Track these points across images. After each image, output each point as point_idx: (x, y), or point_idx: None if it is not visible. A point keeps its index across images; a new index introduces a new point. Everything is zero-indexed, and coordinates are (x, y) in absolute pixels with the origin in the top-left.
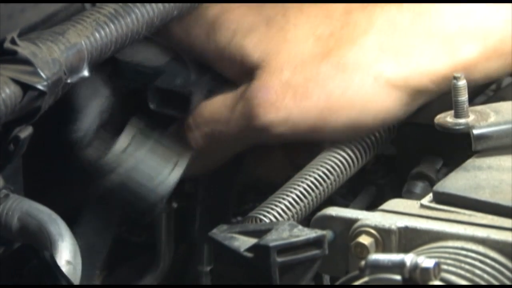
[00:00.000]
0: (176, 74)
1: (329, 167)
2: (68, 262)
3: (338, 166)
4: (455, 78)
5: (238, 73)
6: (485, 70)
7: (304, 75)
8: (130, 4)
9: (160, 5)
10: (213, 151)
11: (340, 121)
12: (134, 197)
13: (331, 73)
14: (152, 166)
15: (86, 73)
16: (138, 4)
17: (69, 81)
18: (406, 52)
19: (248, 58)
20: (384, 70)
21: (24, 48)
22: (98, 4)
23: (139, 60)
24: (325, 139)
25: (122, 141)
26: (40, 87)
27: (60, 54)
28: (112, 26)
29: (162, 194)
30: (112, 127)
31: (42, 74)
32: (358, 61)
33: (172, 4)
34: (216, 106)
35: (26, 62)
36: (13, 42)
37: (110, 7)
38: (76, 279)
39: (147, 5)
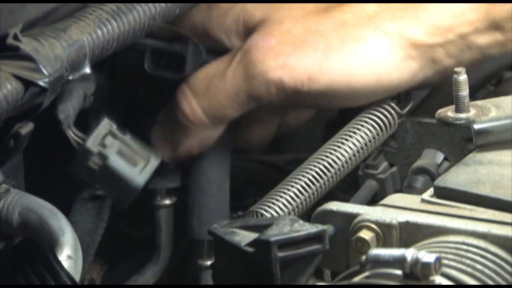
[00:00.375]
0: (175, 41)
1: (330, 161)
2: (69, 257)
3: (339, 159)
4: (456, 73)
5: (240, 38)
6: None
7: (304, 26)
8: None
9: (162, 3)
10: (212, 118)
11: (337, 69)
12: (109, 186)
13: (332, 26)
14: (122, 164)
15: (87, 70)
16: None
17: (70, 77)
18: (403, 7)
19: (250, 18)
20: (384, 24)
21: (26, 44)
22: None
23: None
24: (321, 91)
25: (93, 139)
26: (41, 83)
27: (62, 50)
28: (114, 23)
29: (134, 187)
30: (98, 110)
31: (44, 70)
32: (358, 16)
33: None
34: (213, 66)
35: (28, 58)
36: (15, 38)
37: (112, 4)
38: (77, 273)
39: (149, 3)
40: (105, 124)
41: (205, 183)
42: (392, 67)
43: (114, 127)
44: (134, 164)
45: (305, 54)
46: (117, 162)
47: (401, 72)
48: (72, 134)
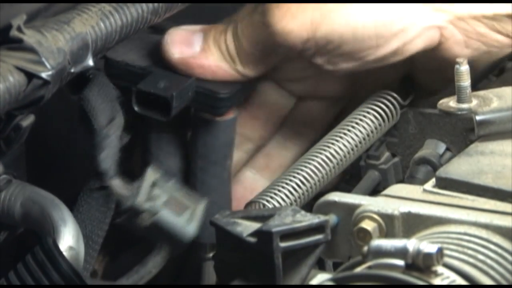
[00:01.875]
0: (161, 77)
1: (332, 151)
2: (71, 248)
3: (341, 150)
4: (458, 63)
5: None
6: None
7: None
8: None
9: None
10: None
11: (339, 15)
12: (160, 238)
13: None
14: (171, 217)
15: (90, 62)
16: None
17: (72, 70)
18: None
19: None
20: None
21: (30, 37)
22: None
23: (129, 59)
24: (325, 36)
25: (143, 191)
26: (44, 76)
27: (65, 43)
28: (117, 15)
29: (184, 239)
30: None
31: (46, 63)
32: None
33: None
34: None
35: (31, 50)
36: (19, 30)
37: None
38: (79, 264)
39: None
40: (151, 174)
41: (206, 190)
42: (394, 12)
43: (158, 175)
44: (181, 213)
45: (306, 6)
46: (166, 216)
47: (403, 18)
48: (116, 186)
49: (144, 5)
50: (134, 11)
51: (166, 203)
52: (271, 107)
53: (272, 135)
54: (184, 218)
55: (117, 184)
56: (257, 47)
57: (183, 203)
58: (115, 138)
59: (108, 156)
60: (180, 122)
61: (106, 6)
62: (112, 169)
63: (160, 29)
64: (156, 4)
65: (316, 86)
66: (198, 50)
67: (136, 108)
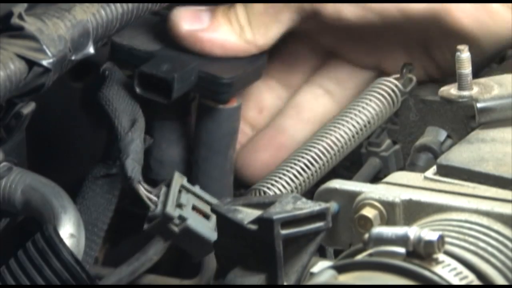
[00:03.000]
0: (164, 60)
1: (333, 139)
2: (72, 235)
3: (342, 137)
4: (459, 50)
5: None
6: None
7: None
8: None
9: None
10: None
11: None
12: (188, 243)
13: None
14: (199, 222)
15: (91, 50)
16: None
17: (73, 58)
18: None
19: None
20: None
21: (31, 24)
22: None
23: (135, 43)
24: None
25: (172, 198)
26: (45, 64)
27: (66, 31)
28: (118, 3)
29: (212, 244)
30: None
31: (47, 51)
32: None
33: None
34: None
35: (32, 38)
36: (20, 17)
37: None
38: (79, 251)
39: None
40: (177, 180)
41: (208, 180)
42: None
43: (185, 180)
44: (208, 217)
45: None
46: (195, 222)
47: None
48: (144, 190)
49: None
50: None
51: (194, 207)
52: (302, 58)
53: (303, 85)
54: (212, 222)
55: (144, 190)
56: (267, 8)
57: (208, 204)
58: (140, 142)
59: (135, 160)
60: (184, 111)
61: None
62: (138, 174)
63: (166, 16)
64: None
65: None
66: (206, 24)
67: (138, 90)
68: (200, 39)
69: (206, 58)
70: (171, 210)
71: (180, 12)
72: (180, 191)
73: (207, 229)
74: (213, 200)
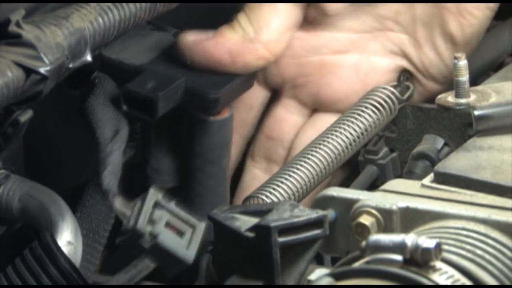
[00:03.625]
0: (151, 77)
1: (330, 147)
2: (69, 243)
3: (340, 145)
4: (456, 58)
5: None
6: None
7: None
8: None
9: None
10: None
11: None
12: (159, 259)
13: None
14: (171, 239)
15: (88, 58)
16: None
17: (71, 65)
18: None
19: None
20: None
21: (28, 32)
22: None
23: (124, 57)
24: None
25: (143, 218)
26: (42, 71)
27: (63, 38)
28: (115, 10)
29: (184, 263)
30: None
31: (45, 58)
32: None
33: None
34: None
35: (29, 46)
36: (17, 25)
37: None
38: (77, 259)
39: None
40: (152, 195)
41: (203, 189)
42: None
43: (160, 196)
44: (181, 235)
45: None
46: (167, 239)
47: None
48: (118, 205)
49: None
50: (132, 6)
51: (167, 224)
52: None
53: None
54: (185, 240)
55: (119, 203)
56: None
57: (183, 221)
58: (119, 155)
59: (112, 173)
60: (178, 121)
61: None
62: (114, 187)
63: (159, 26)
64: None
65: None
66: (211, 35)
67: (124, 108)
68: (206, 48)
69: (194, 73)
70: (143, 225)
71: (185, 32)
72: (155, 207)
73: (179, 246)
74: (189, 218)
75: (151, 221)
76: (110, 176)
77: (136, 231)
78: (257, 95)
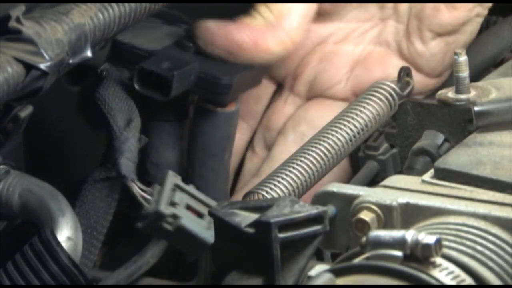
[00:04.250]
0: (165, 58)
1: (331, 142)
2: (69, 238)
3: (340, 140)
4: (456, 54)
5: None
6: None
7: None
8: None
9: None
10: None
11: None
12: (181, 242)
13: None
14: (193, 221)
15: (88, 53)
16: None
17: (71, 61)
18: None
19: None
20: None
21: (28, 28)
22: None
23: (137, 42)
24: None
25: (165, 196)
26: (42, 67)
27: (63, 34)
28: (115, 6)
29: (205, 244)
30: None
31: (45, 54)
32: None
33: None
34: None
35: (30, 41)
36: (18, 21)
37: None
38: (77, 255)
39: None
40: (171, 179)
41: (204, 183)
42: None
43: (179, 179)
44: (201, 216)
45: None
46: (189, 221)
47: None
48: (138, 189)
49: None
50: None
51: (187, 206)
52: None
53: None
54: (206, 222)
55: (138, 188)
56: None
57: (202, 204)
58: (135, 141)
59: (129, 159)
60: (181, 114)
61: None
62: (132, 173)
63: (170, 20)
64: None
65: None
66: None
67: (137, 87)
68: (230, 31)
69: (207, 59)
70: (164, 208)
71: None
72: (174, 190)
73: (201, 228)
74: (208, 200)
75: (172, 204)
76: (128, 162)
77: (159, 213)
78: (265, 87)
